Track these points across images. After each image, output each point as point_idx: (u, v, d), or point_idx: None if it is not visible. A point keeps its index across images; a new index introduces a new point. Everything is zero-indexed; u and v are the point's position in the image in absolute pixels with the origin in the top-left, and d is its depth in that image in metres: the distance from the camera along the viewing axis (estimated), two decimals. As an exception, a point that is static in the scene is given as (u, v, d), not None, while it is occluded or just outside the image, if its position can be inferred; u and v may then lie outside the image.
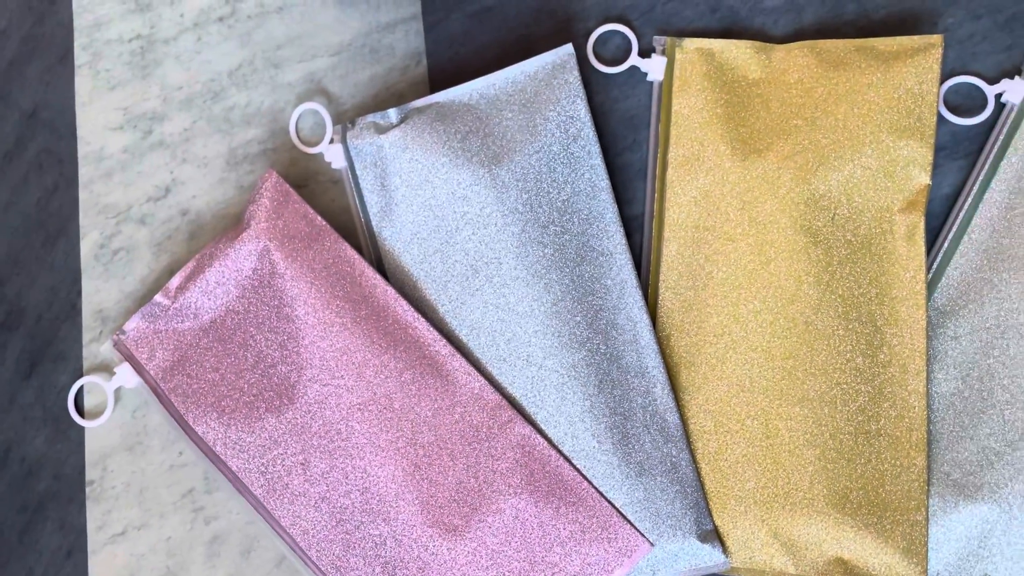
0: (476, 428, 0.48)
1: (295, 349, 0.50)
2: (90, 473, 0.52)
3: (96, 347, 0.53)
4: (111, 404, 0.52)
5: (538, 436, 0.48)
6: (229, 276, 0.50)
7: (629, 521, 0.47)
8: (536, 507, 0.47)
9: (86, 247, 0.54)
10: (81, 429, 0.52)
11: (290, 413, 0.49)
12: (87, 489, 0.52)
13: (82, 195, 0.55)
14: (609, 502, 0.47)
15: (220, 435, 0.49)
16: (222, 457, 0.49)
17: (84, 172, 0.55)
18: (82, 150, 0.55)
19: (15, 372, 0.53)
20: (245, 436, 0.49)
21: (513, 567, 0.47)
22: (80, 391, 0.53)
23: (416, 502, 0.48)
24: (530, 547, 0.47)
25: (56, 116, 0.56)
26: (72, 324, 0.53)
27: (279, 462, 0.49)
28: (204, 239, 0.54)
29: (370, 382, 0.49)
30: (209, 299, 0.51)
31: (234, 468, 0.49)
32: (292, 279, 0.50)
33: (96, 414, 0.52)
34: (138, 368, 0.51)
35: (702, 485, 0.48)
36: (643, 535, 0.47)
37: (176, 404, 0.50)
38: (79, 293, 0.54)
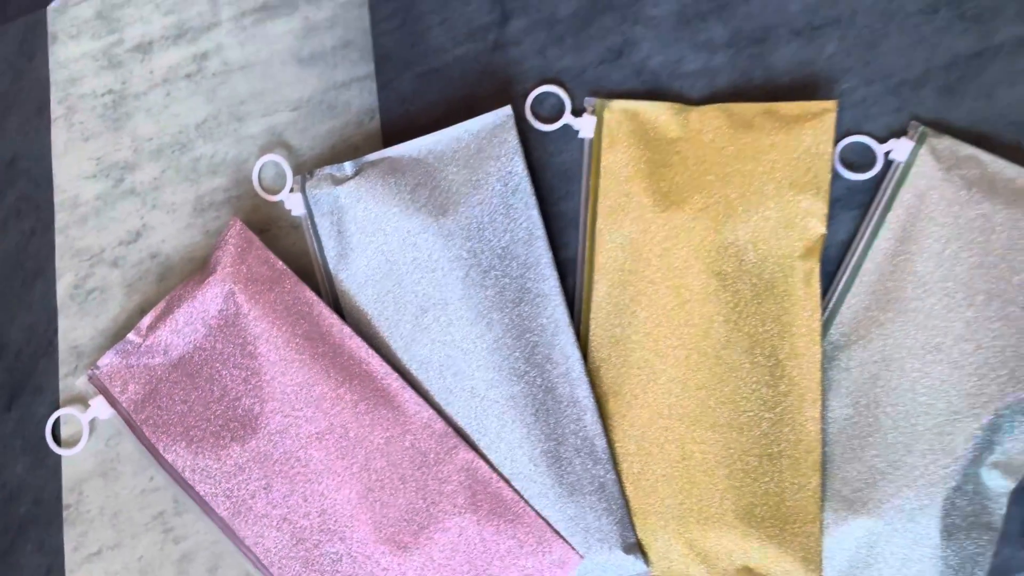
0: (424, 454, 0.50)
1: (258, 383, 0.51)
2: (67, 498, 0.53)
3: (72, 381, 0.54)
4: (86, 434, 0.53)
5: (481, 460, 0.50)
6: (197, 316, 0.52)
7: (562, 536, 0.49)
8: (479, 525, 0.49)
9: (62, 287, 0.55)
10: (58, 457, 0.54)
11: (254, 442, 0.51)
12: (64, 513, 0.53)
13: (58, 239, 0.56)
14: (544, 519, 0.49)
15: (189, 462, 0.51)
16: (190, 482, 0.51)
17: (60, 218, 0.56)
18: (58, 197, 0.56)
19: (-5, 405, 0.54)
20: (212, 463, 0.51)
21: (458, 579, 0.49)
22: (57, 422, 0.54)
23: (369, 522, 0.49)
24: (473, 561, 0.49)
25: (33, 165, 0.57)
26: (49, 359, 0.54)
27: (243, 486, 0.50)
28: (173, 280, 0.55)
29: (327, 413, 0.50)
30: (178, 337, 0.52)
31: (202, 492, 0.50)
32: (255, 319, 0.51)
33: (72, 443, 0.53)
34: (112, 400, 0.52)
35: (626, 502, 0.50)
36: (574, 548, 0.49)
37: (147, 434, 0.51)
38: (56, 331, 0.55)
